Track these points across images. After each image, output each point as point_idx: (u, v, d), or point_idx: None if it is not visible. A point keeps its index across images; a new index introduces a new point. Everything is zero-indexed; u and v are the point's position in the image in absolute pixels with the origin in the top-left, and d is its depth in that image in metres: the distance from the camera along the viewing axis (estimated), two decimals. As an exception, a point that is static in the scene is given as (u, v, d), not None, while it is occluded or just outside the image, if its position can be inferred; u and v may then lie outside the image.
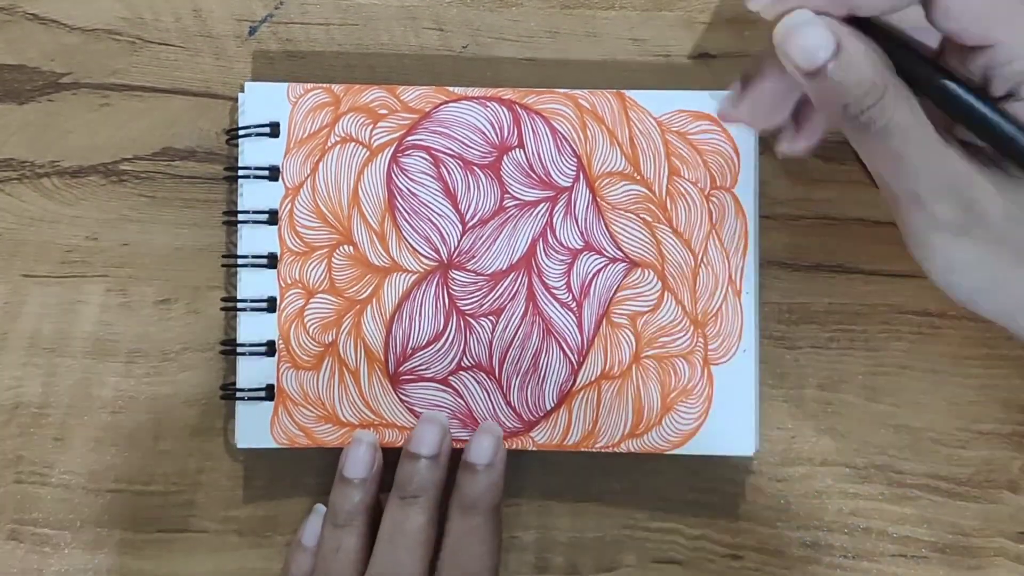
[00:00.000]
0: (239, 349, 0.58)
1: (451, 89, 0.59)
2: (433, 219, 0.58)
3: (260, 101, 0.59)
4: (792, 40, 0.45)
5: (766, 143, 0.59)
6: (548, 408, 0.58)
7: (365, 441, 0.57)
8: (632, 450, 0.58)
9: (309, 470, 0.60)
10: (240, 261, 0.58)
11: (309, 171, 0.58)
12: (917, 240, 0.48)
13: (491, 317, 0.58)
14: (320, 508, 0.58)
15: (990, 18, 0.46)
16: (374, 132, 0.58)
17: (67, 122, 0.61)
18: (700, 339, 0.58)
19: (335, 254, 0.58)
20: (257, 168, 0.58)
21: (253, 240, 0.58)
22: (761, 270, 0.59)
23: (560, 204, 0.58)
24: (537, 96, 0.58)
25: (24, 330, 0.61)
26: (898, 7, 0.46)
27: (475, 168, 0.58)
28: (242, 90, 0.59)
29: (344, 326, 0.58)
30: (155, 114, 0.61)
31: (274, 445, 0.58)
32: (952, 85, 0.47)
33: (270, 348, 0.58)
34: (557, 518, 0.61)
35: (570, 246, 0.58)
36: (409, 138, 0.58)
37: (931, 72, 0.47)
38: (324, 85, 0.59)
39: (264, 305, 0.58)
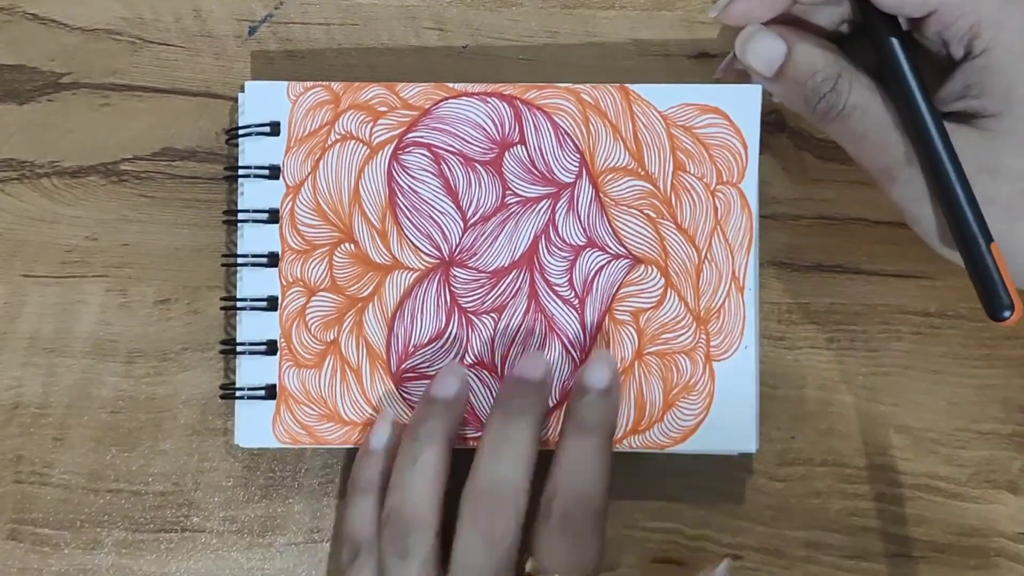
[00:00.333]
0: (239, 348, 0.58)
1: (451, 85, 0.58)
2: (434, 216, 0.58)
3: (260, 100, 0.59)
4: (749, 51, 0.50)
5: (766, 142, 0.59)
6: (551, 405, 0.58)
7: (457, 369, 0.57)
8: (634, 446, 0.58)
9: (309, 470, 0.60)
10: (240, 260, 0.58)
11: (310, 169, 0.58)
12: (905, 211, 0.52)
13: (493, 314, 0.58)
14: (389, 413, 0.57)
15: None
16: (374, 129, 0.58)
17: (67, 122, 0.61)
18: (703, 336, 0.58)
19: (336, 252, 0.58)
20: (257, 167, 0.58)
21: (254, 239, 0.58)
22: (761, 270, 0.59)
23: (562, 200, 0.58)
24: (539, 91, 0.58)
25: (24, 330, 0.61)
26: None
27: (476, 165, 0.58)
28: (242, 90, 0.59)
29: (346, 324, 0.58)
30: (155, 114, 0.61)
31: (276, 444, 0.58)
32: (891, 41, 0.51)
33: (270, 347, 0.58)
34: (558, 517, 0.61)
35: (572, 243, 0.58)
36: (409, 135, 0.58)
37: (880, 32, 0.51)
38: (324, 83, 0.59)
39: (264, 304, 0.58)
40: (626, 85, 0.58)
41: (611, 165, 0.58)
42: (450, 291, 0.58)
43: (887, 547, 0.60)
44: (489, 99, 0.58)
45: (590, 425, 0.54)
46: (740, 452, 0.59)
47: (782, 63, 0.51)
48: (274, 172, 0.58)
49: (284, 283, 0.58)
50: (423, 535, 0.53)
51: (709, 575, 0.56)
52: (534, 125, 0.58)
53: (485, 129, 0.58)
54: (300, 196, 0.58)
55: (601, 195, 0.58)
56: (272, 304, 0.58)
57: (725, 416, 0.58)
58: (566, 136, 0.58)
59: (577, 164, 0.58)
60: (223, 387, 0.59)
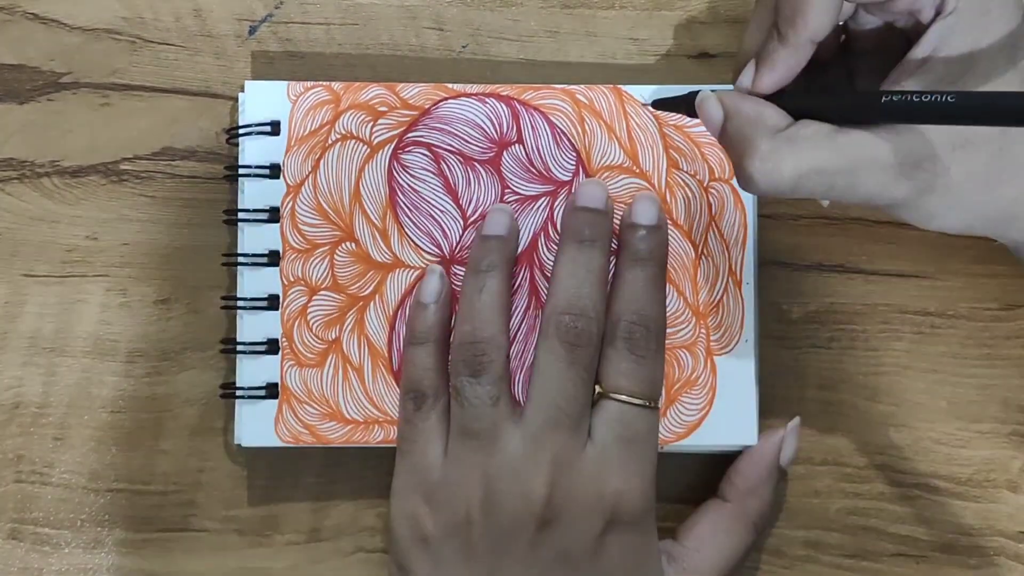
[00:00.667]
0: (239, 348, 0.58)
1: (450, 86, 0.59)
2: (434, 215, 0.58)
3: (260, 99, 0.59)
4: (701, 114, 0.51)
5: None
6: None
7: (504, 208, 0.58)
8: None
9: (309, 470, 0.60)
10: (241, 259, 0.58)
11: (310, 168, 0.58)
12: (891, 210, 0.50)
13: (494, 312, 0.58)
14: (436, 267, 0.58)
15: None
16: (374, 129, 0.58)
17: (67, 122, 0.61)
18: (702, 330, 0.58)
19: (337, 251, 0.58)
20: (258, 166, 0.58)
21: (254, 238, 0.58)
22: (761, 270, 0.59)
23: (560, 198, 0.58)
24: (535, 92, 0.59)
25: (24, 330, 0.60)
26: None
27: (475, 164, 0.58)
28: (242, 89, 0.59)
29: (347, 323, 0.58)
30: (155, 114, 0.61)
31: (279, 444, 0.58)
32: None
33: (271, 346, 0.58)
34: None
35: (572, 240, 0.58)
36: (409, 135, 0.58)
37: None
38: (324, 83, 0.59)
39: (265, 303, 0.58)
40: (619, 86, 0.59)
41: (607, 163, 0.58)
42: (451, 289, 0.58)
43: (887, 547, 0.60)
44: (487, 99, 0.59)
45: (645, 256, 0.57)
46: (742, 446, 0.58)
47: (721, 122, 0.51)
48: (274, 171, 0.58)
49: (285, 282, 0.58)
50: (496, 354, 0.56)
51: (775, 434, 0.59)
52: (531, 125, 0.58)
53: (484, 129, 0.58)
54: (301, 195, 0.58)
55: None
56: (272, 303, 0.58)
57: (727, 410, 0.58)
58: (563, 135, 0.58)
59: (574, 162, 0.58)
60: (223, 387, 0.59)
